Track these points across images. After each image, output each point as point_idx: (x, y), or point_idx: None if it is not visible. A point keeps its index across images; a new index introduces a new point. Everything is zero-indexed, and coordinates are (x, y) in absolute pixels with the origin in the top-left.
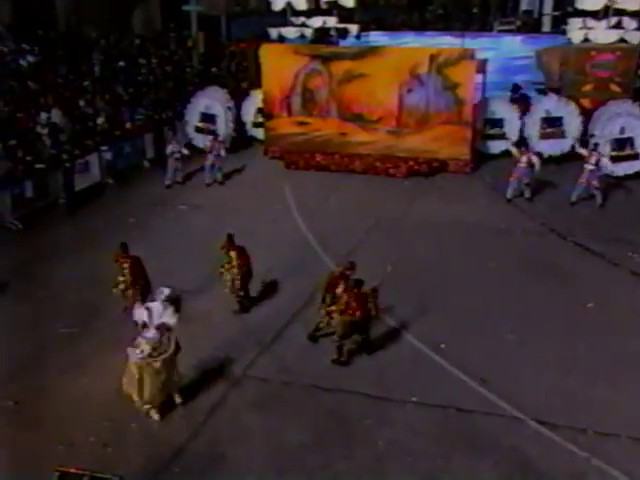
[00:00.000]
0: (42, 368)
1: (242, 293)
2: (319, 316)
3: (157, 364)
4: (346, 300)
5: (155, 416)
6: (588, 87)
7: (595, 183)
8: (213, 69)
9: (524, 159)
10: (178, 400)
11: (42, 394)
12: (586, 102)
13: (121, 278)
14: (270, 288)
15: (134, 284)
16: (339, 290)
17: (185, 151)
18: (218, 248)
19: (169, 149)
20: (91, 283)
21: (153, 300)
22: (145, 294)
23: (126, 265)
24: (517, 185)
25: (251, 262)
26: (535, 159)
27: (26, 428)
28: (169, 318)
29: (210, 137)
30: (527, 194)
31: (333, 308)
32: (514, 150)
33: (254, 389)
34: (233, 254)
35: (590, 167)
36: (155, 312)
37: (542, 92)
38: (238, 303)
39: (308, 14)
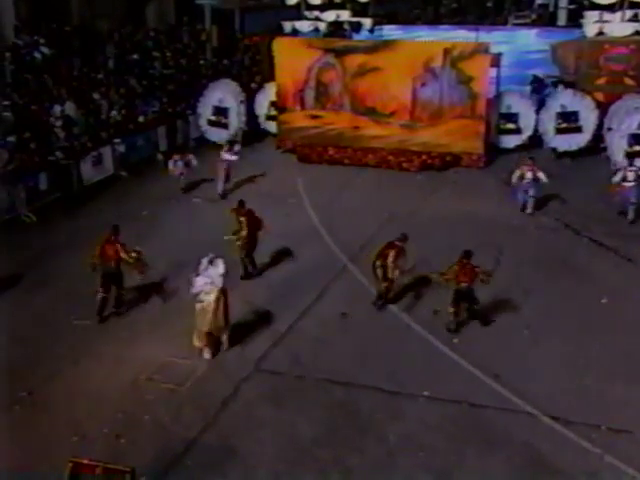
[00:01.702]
0: (56, 359)
1: (247, 258)
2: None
3: (201, 304)
4: (455, 270)
5: (207, 355)
6: (602, 80)
7: (633, 199)
8: (226, 62)
9: (529, 175)
10: (225, 346)
11: (56, 385)
12: (600, 96)
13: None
14: (283, 281)
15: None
16: (390, 259)
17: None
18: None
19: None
20: None
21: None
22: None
23: (243, 219)
24: (522, 198)
25: (262, 224)
26: (541, 175)
27: (40, 419)
28: (215, 275)
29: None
30: (529, 209)
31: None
32: (517, 173)
33: (267, 382)
34: (243, 219)
35: (630, 184)
36: (203, 266)
37: (556, 84)
38: (243, 268)
39: (322, 8)
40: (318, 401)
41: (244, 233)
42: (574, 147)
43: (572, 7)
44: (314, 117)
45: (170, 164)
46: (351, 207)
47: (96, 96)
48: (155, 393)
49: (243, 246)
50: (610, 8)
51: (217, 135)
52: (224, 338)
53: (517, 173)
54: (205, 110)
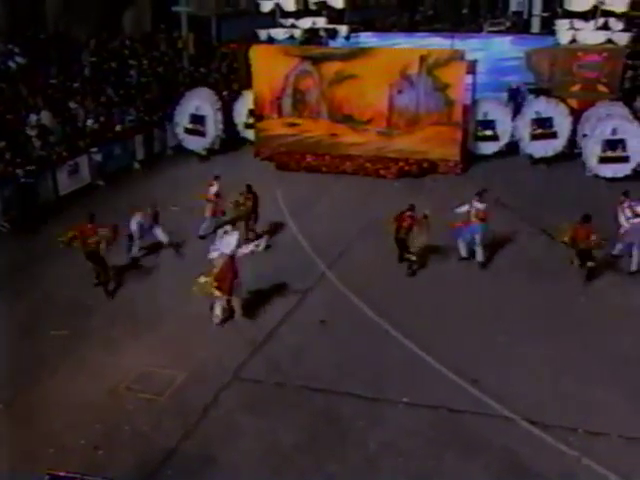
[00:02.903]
0: (34, 369)
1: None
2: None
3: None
4: (575, 231)
5: (216, 319)
6: (576, 88)
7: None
8: (203, 70)
9: (476, 213)
10: (238, 312)
11: (34, 396)
12: (574, 102)
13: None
14: (261, 289)
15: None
16: (405, 223)
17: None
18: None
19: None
20: (84, 284)
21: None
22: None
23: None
24: (470, 240)
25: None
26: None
27: (17, 430)
28: (228, 243)
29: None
30: (480, 256)
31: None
32: (462, 209)
33: (246, 390)
34: (250, 197)
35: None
36: (219, 237)
37: (533, 92)
38: (248, 239)
39: (297, 15)
40: (298, 408)
41: (249, 204)
42: (550, 153)
43: (546, 15)
44: (292, 125)
45: (132, 225)
46: (329, 214)
47: (72, 105)
48: (134, 403)
49: (246, 216)
50: (582, 16)
51: (195, 143)
52: (236, 303)
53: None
54: (182, 118)
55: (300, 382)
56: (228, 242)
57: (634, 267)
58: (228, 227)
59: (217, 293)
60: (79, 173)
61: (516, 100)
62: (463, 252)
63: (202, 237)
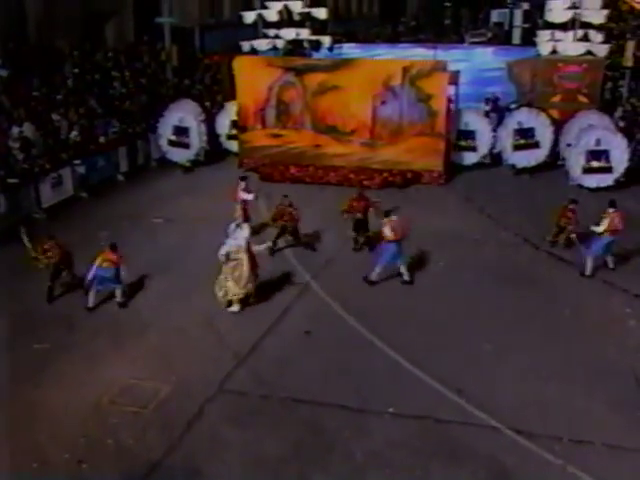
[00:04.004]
0: (16, 383)
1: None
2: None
3: (234, 262)
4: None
5: (235, 308)
6: (557, 98)
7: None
8: (187, 82)
9: (388, 231)
10: (252, 300)
11: (16, 410)
12: (555, 113)
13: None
14: (245, 300)
15: None
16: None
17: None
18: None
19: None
20: (66, 297)
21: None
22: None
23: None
24: (383, 269)
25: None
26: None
27: None
28: (241, 237)
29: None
30: (406, 276)
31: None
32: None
33: (231, 403)
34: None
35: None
36: (232, 230)
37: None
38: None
39: (280, 26)
40: (283, 420)
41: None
42: (532, 163)
43: (526, 26)
44: (275, 136)
45: (89, 275)
46: (313, 225)
47: (55, 117)
48: (118, 416)
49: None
50: (562, 27)
51: (178, 155)
52: (250, 288)
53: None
54: (165, 130)
55: (285, 394)
56: (241, 235)
57: (589, 272)
58: (239, 221)
59: (236, 305)
60: (62, 185)
61: (496, 110)
62: None
63: None
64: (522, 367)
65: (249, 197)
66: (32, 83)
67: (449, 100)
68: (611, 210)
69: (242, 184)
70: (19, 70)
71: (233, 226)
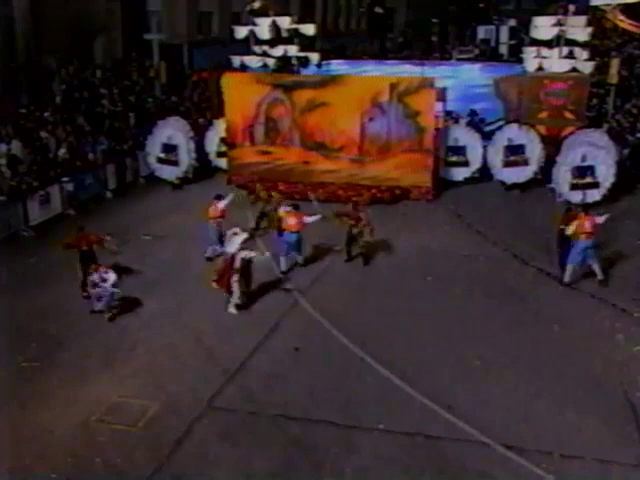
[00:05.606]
0: (3, 402)
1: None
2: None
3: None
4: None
5: (232, 310)
6: (544, 114)
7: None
8: (175, 99)
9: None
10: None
11: (3, 429)
12: (542, 129)
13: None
14: (233, 317)
15: None
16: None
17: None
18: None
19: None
20: (54, 315)
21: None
22: None
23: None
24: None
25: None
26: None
27: None
28: (232, 245)
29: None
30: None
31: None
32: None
33: (220, 420)
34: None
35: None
36: (228, 237)
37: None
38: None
39: (270, 43)
40: (273, 437)
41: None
42: (522, 180)
43: (512, 42)
44: (264, 153)
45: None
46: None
47: (43, 134)
48: (106, 434)
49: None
50: (548, 44)
51: (168, 172)
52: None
53: None
54: (154, 148)
55: (274, 411)
56: (234, 242)
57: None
58: (237, 229)
59: (214, 286)
60: (50, 203)
61: (471, 124)
62: None
63: None
64: (512, 382)
65: (226, 201)
66: (20, 100)
67: (436, 116)
68: (582, 214)
69: (218, 203)
70: (7, 87)
71: (230, 234)
